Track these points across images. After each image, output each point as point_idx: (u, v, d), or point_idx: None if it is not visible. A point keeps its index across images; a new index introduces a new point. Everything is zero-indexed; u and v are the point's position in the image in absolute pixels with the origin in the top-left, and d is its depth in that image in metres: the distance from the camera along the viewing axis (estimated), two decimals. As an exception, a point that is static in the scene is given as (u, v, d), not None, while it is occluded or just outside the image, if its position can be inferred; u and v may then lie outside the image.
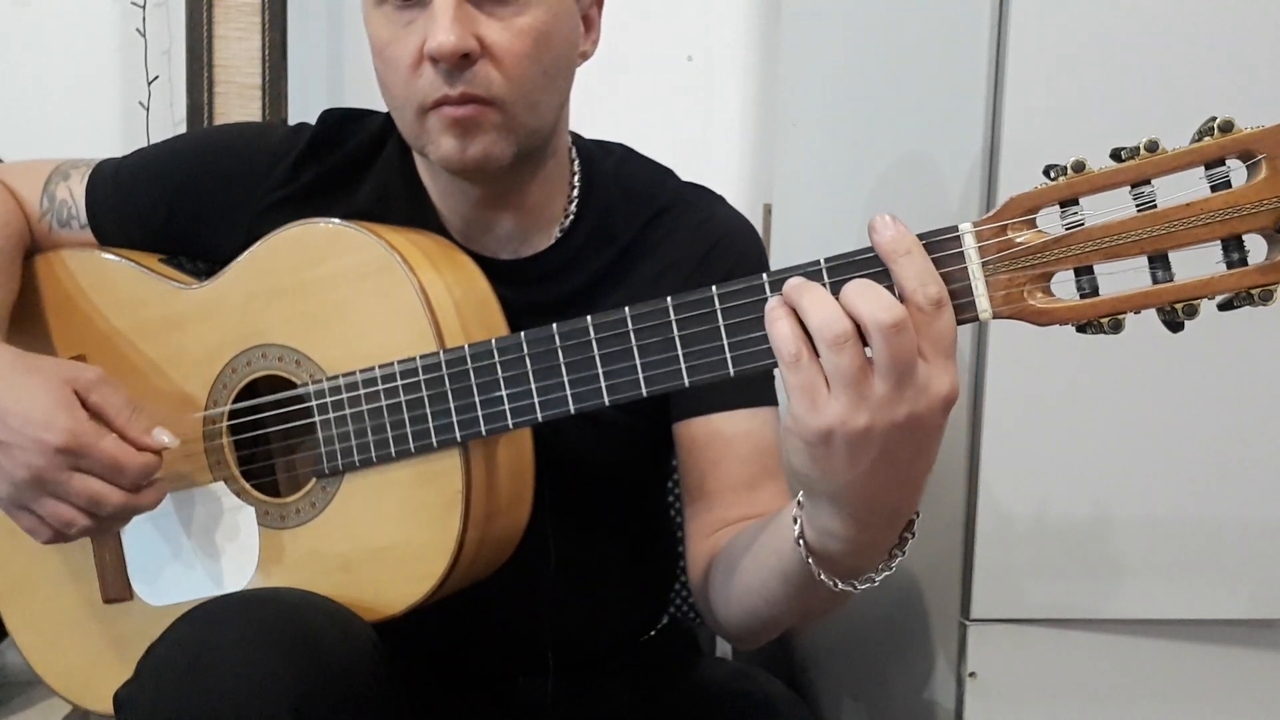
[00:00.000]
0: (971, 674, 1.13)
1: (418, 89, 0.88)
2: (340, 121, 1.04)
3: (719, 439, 0.96)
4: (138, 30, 1.81)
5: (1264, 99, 1.06)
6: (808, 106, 1.65)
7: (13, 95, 1.82)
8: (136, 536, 0.98)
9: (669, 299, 0.75)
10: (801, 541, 0.76)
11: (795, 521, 0.76)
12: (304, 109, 1.77)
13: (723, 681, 1.06)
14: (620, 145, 1.08)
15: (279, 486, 0.99)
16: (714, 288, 0.73)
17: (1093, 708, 1.15)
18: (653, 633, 1.14)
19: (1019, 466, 1.11)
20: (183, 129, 1.75)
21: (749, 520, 0.91)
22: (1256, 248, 0.65)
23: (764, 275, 0.72)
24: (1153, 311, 0.66)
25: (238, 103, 1.71)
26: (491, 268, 0.96)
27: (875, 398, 0.66)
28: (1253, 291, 0.64)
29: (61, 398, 0.87)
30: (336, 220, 0.91)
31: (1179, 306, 0.65)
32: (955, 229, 0.68)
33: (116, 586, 0.99)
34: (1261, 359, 1.09)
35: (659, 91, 1.86)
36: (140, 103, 1.82)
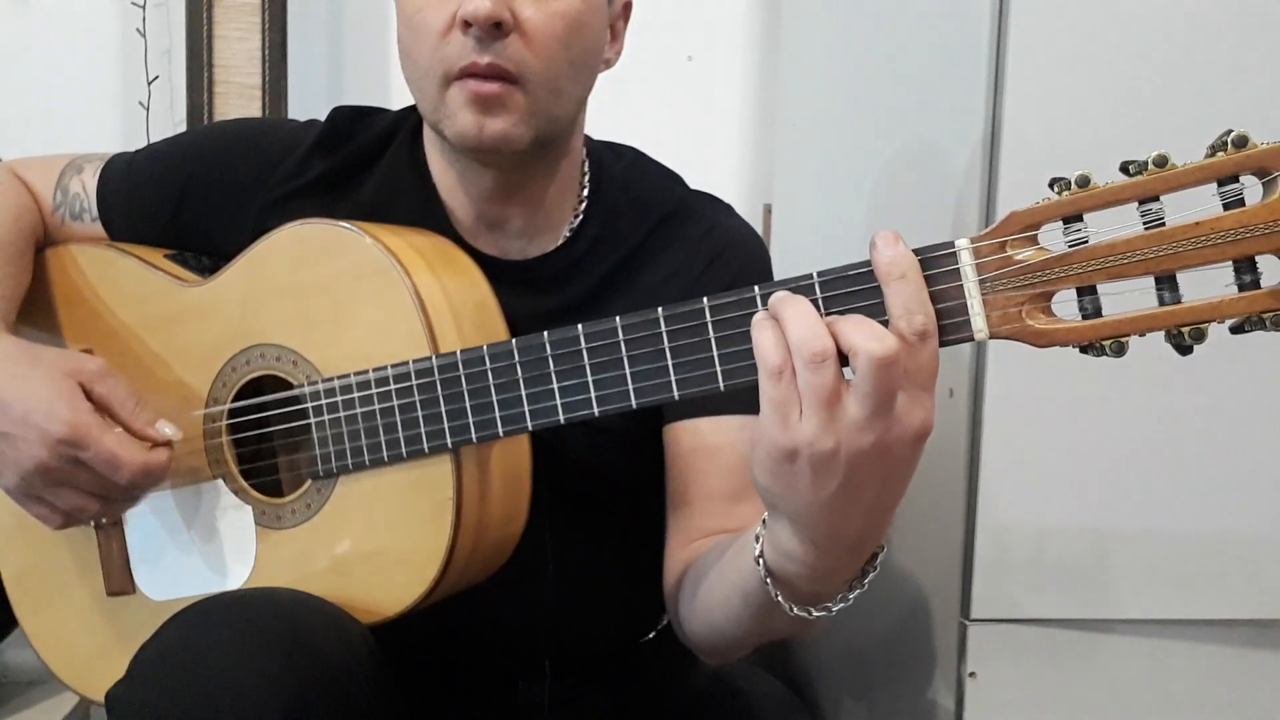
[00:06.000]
0: (971, 674, 1.13)
1: (444, 56, 0.87)
2: (350, 118, 1.04)
3: (705, 446, 0.95)
4: (138, 30, 1.81)
5: (1263, 99, 1.06)
6: (807, 106, 1.64)
7: (13, 95, 1.82)
8: (139, 530, 0.99)
9: (659, 309, 0.74)
10: (761, 560, 0.74)
11: (758, 539, 0.75)
12: (304, 109, 1.76)
13: (721, 683, 1.06)
14: (631, 149, 1.08)
15: (282, 486, 0.99)
16: (705, 299, 0.72)
17: (1092, 708, 1.15)
18: (651, 635, 1.13)
19: (1019, 466, 1.10)
20: (183, 129, 1.74)
21: (727, 533, 0.90)
22: (1270, 269, 0.61)
23: (756, 288, 0.70)
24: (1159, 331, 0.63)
25: (238, 103, 1.71)
26: (497, 267, 0.96)
27: (846, 422, 0.64)
28: (1265, 316, 0.61)
29: (64, 389, 0.88)
30: (334, 221, 0.91)
31: (1186, 330, 0.62)
32: (951, 245, 0.65)
33: (119, 580, 0.99)
34: (1261, 357, 1.09)
35: (659, 91, 1.86)
36: (140, 103, 1.82)
